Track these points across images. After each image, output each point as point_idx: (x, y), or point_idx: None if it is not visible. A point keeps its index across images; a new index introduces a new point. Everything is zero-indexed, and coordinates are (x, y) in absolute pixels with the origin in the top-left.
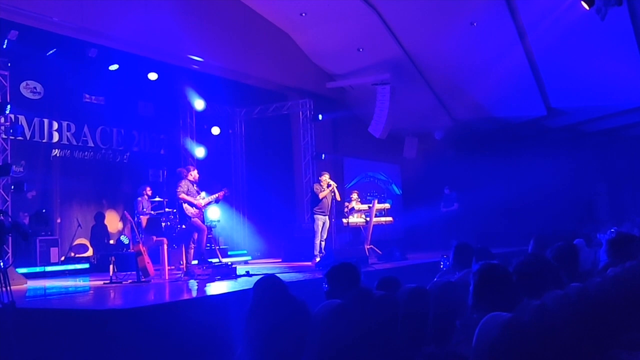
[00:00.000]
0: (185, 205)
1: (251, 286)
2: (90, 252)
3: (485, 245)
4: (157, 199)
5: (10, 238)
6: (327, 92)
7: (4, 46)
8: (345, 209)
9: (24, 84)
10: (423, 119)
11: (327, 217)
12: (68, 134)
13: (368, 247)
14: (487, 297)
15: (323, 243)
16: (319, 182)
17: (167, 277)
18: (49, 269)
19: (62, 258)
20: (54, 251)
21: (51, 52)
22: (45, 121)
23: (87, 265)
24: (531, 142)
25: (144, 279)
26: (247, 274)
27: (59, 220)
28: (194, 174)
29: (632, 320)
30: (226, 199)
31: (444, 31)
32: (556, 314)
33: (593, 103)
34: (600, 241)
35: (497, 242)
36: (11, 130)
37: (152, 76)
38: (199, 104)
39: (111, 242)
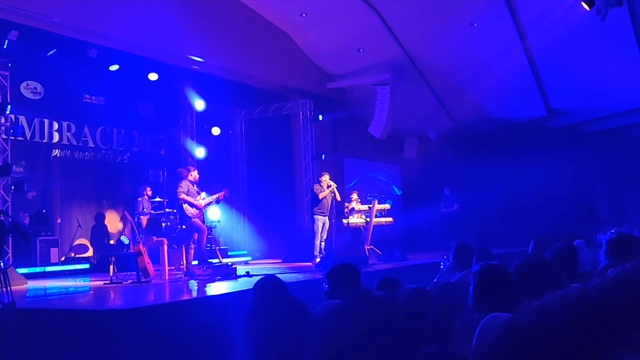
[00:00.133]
0: (185, 206)
1: (251, 287)
2: (90, 253)
3: (486, 246)
4: (158, 199)
5: (10, 238)
6: (327, 92)
7: (5, 46)
8: (346, 210)
9: (24, 84)
10: (423, 120)
11: (327, 217)
12: (68, 134)
13: (368, 247)
14: (487, 297)
15: (323, 244)
16: (319, 182)
17: (167, 278)
18: (49, 269)
19: (62, 258)
20: (54, 251)
21: (51, 52)
22: (46, 121)
23: (87, 266)
24: (531, 143)
25: (144, 280)
26: (247, 275)
27: (59, 221)
28: (194, 175)
29: (632, 321)
30: (226, 199)
31: (444, 31)
32: (556, 315)
33: (593, 104)
34: (601, 242)
35: (497, 243)
36: (11, 131)
37: (153, 76)
38: (199, 105)
39: (111, 242)
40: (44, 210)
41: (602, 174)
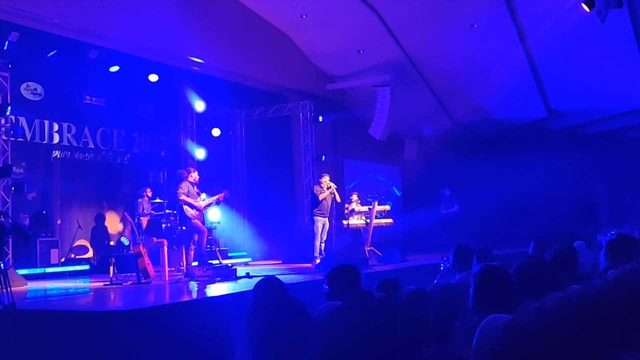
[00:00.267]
0: (185, 207)
1: (251, 288)
2: (90, 254)
3: (486, 247)
4: (158, 200)
5: (10, 239)
6: (328, 93)
7: (5, 47)
8: (346, 211)
9: (24, 85)
10: (423, 121)
11: (327, 218)
12: (68, 135)
13: (368, 249)
14: (488, 299)
15: (323, 245)
16: (319, 183)
17: (167, 279)
18: (49, 270)
19: (63, 259)
20: (54, 252)
21: (52, 53)
22: (46, 122)
23: (87, 267)
24: (531, 144)
25: (144, 281)
26: (247, 276)
27: (59, 222)
28: (194, 176)
29: (632, 322)
30: (226, 200)
31: (444, 33)
32: (556, 316)
33: (593, 105)
34: (601, 243)
35: (497, 244)
36: (12, 132)
37: (153, 78)
38: (199, 106)
39: (111, 243)
40: (44, 212)
41: (602, 175)
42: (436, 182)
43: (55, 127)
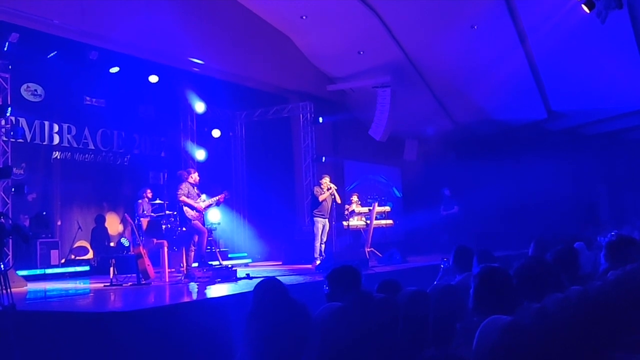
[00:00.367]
0: (185, 208)
1: (251, 289)
2: (90, 255)
3: (487, 248)
4: (158, 201)
5: (10, 240)
6: (328, 94)
7: (5, 49)
8: (346, 212)
9: (24, 86)
10: (423, 122)
11: (327, 219)
12: (69, 136)
13: (368, 250)
14: (488, 300)
15: (323, 246)
16: (319, 185)
17: (167, 280)
18: (49, 271)
19: (63, 260)
20: (54, 253)
21: (52, 54)
22: (46, 123)
23: (87, 268)
24: (532, 145)
25: (144, 282)
26: (248, 277)
27: (59, 223)
28: (194, 177)
29: (632, 323)
30: (227, 201)
31: (445, 34)
32: (556, 317)
33: (593, 106)
34: (601, 244)
35: (497, 245)
36: (12, 133)
37: (153, 79)
38: (199, 107)
39: (111, 244)
40: (44, 213)
41: (602, 176)
42: (436, 183)
43: (56, 128)
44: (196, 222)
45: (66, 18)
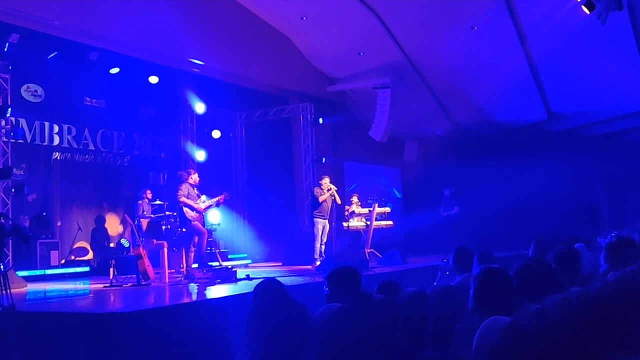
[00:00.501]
0: (185, 209)
1: (251, 290)
2: (90, 255)
3: (488, 249)
4: (158, 202)
5: (10, 241)
6: (328, 95)
7: (5, 49)
8: (346, 213)
9: (24, 87)
10: (424, 123)
11: (327, 220)
12: (69, 137)
13: (368, 250)
14: (488, 301)
15: (323, 247)
16: (320, 185)
17: (167, 281)
18: (49, 272)
19: (63, 261)
20: (54, 254)
21: (52, 55)
22: (46, 124)
23: (87, 269)
24: (531, 146)
25: (144, 282)
26: (247, 278)
27: (59, 223)
28: (194, 178)
29: (632, 324)
30: (226, 202)
31: (445, 35)
32: (556, 318)
33: (593, 107)
34: (601, 245)
35: (497, 246)
36: (12, 133)
37: (153, 79)
38: (199, 108)
39: (111, 245)
40: (44, 213)
41: (602, 177)
42: (436, 184)
43: (56, 128)
44: (196, 223)
45: (66, 19)
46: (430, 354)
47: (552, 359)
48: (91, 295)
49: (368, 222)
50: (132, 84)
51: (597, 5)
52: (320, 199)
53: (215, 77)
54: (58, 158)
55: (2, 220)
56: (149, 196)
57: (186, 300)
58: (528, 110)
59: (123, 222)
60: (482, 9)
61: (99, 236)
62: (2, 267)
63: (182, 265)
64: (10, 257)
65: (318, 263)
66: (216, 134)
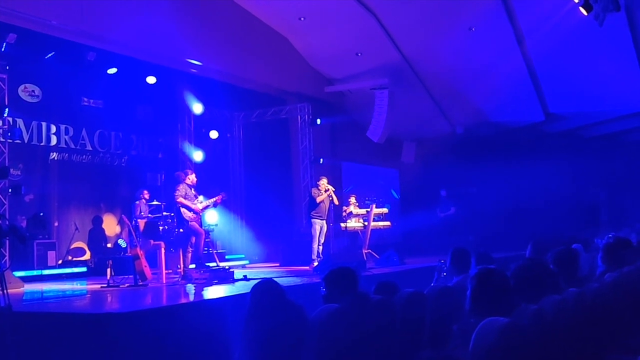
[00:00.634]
0: (183, 209)
1: (249, 290)
2: (87, 256)
3: (486, 250)
4: (155, 202)
5: (7, 241)
6: (326, 96)
7: (3, 49)
8: (343, 213)
9: (22, 87)
10: (421, 124)
11: (324, 221)
12: (66, 137)
13: (366, 251)
14: (485, 301)
15: (321, 247)
16: (317, 186)
17: (164, 281)
18: (46, 272)
19: (60, 261)
20: (51, 254)
21: (50, 55)
22: (44, 124)
23: (84, 269)
24: (529, 147)
25: (141, 283)
26: (245, 278)
27: (56, 224)
28: (192, 178)
29: (629, 325)
30: (224, 202)
31: (443, 36)
32: (553, 319)
33: (591, 108)
34: (599, 246)
35: (495, 247)
36: (9, 134)
37: (151, 80)
38: (197, 108)
39: (109, 245)
40: (42, 214)
41: (600, 178)
42: (434, 185)
43: (53, 129)
44: (193, 223)
45: (64, 19)
46: (427, 355)
47: (549, 359)
48: (88, 295)
49: (366, 223)
50: (130, 85)
51: (594, 7)
52: (318, 199)
53: (213, 77)
54: (55, 158)
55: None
56: (147, 197)
57: (183, 300)
58: (526, 112)
59: (120, 222)
60: (479, 10)
61: (96, 236)
62: None
63: (179, 266)
64: (7, 258)
65: (315, 264)
66: (214, 134)
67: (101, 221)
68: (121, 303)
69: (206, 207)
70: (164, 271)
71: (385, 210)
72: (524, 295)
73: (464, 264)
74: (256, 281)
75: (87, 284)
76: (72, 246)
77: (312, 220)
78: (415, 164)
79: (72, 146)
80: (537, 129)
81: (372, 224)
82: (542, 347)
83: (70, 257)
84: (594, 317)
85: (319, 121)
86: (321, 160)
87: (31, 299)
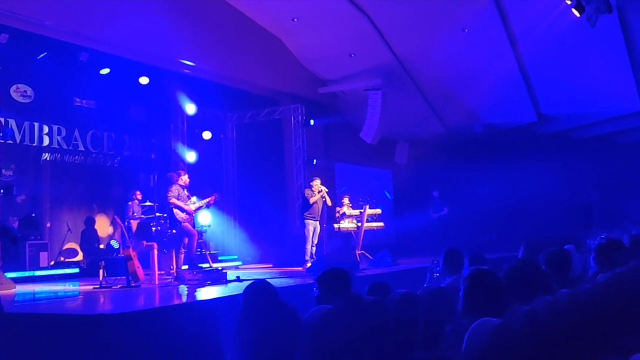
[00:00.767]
0: (175, 210)
1: (241, 291)
2: (80, 257)
3: (479, 251)
4: (148, 203)
5: None
6: (319, 97)
7: None
8: (337, 214)
9: (14, 87)
10: (414, 125)
11: (317, 222)
12: (58, 137)
13: (359, 252)
14: (477, 302)
15: (314, 248)
16: (310, 187)
17: (157, 282)
18: (38, 273)
19: (52, 262)
20: (43, 255)
21: (42, 55)
22: (36, 125)
23: (76, 270)
24: (522, 148)
25: (133, 284)
26: (238, 279)
27: (48, 225)
28: (184, 179)
29: (621, 326)
30: (217, 203)
31: (436, 37)
32: (546, 320)
33: (583, 109)
34: (591, 247)
35: (488, 248)
36: (1, 134)
37: (144, 80)
38: (190, 109)
39: (101, 246)
40: (34, 214)
41: (593, 179)
42: (427, 185)
43: (45, 129)
44: (186, 224)
45: (57, 19)
46: (420, 356)
47: None
48: (81, 296)
49: (359, 224)
50: (123, 85)
51: (587, 8)
52: (311, 200)
53: (206, 78)
54: (48, 159)
55: None
56: (139, 197)
57: (176, 302)
58: (518, 112)
59: (113, 223)
60: (472, 12)
61: (89, 237)
62: None
63: (172, 267)
64: None
65: (309, 265)
66: (207, 135)
67: (94, 222)
68: (114, 304)
69: (199, 208)
70: (157, 272)
71: (378, 211)
72: (516, 296)
73: (457, 264)
74: (249, 282)
75: (80, 285)
76: (65, 247)
77: (306, 221)
78: (408, 164)
79: (65, 147)
80: (529, 130)
81: (366, 224)
82: (535, 347)
83: (62, 258)
84: (586, 318)
85: (312, 122)
86: (314, 161)
87: (23, 300)
